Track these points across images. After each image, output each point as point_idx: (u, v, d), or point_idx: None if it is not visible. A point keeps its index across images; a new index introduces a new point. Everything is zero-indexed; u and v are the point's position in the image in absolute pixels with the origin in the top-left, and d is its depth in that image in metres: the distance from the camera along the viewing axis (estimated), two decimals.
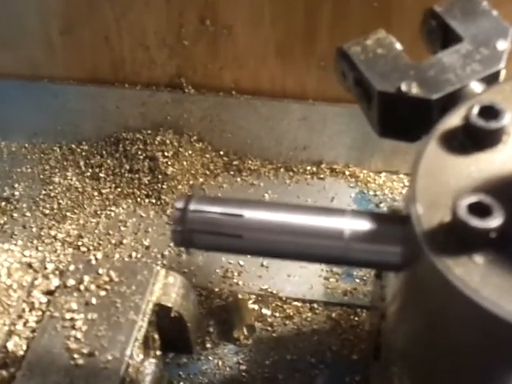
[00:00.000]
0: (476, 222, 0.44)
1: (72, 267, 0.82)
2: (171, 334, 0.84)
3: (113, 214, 1.08)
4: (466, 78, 0.61)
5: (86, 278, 0.80)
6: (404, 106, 0.62)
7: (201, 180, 1.13)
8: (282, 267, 0.99)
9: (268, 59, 1.07)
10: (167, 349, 0.86)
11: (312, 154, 1.14)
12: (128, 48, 1.10)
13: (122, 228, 1.06)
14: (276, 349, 0.91)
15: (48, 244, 1.04)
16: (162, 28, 1.06)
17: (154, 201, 1.10)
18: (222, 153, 1.16)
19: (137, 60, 1.11)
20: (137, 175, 1.11)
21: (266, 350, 0.91)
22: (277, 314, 0.95)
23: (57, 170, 1.15)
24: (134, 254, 1.02)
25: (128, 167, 1.12)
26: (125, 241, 1.04)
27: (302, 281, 0.98)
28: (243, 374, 0.89)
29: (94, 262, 0.82)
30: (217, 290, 0.98)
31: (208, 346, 0.91)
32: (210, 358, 0.90)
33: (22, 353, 0.75)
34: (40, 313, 0.79)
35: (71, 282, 0.80)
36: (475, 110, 0.52)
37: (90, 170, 1.14)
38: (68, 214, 1.08)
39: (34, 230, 1.06)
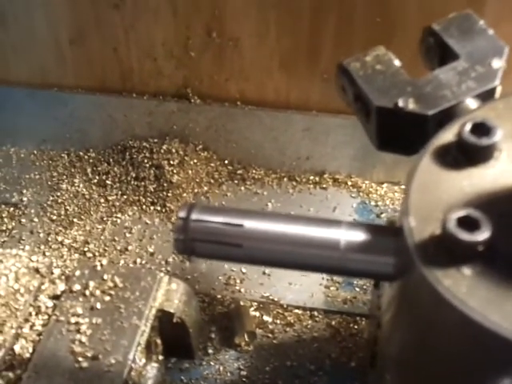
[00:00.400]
0: (464, 236, 0.46)
1: (78, 273, 0.84)
2: (173, 340, 0.86)
3: (119, 220, 1.11)
4: (461, 94, 0.63)
5: (92, 284, 0.82)
6: (401, 120, 0.64)
7: (205, 188, 1.15)
8: (283, 275, 1.00)
9: (273, 71, 1.09)
10: (169, 354, 0.88)
11: (315, 164, 1.16)
12: (136, 59, 1.12)
13: (128, 235, 1.09)
14: (276, 355, 0.92)
15: (55, 249, 1.06)
16: (170, 40, 1.09)
17: (159, 208, 1.12)
18: (226, 162, 1.18)
19: (144, 70, 1.14)
20: (143, 183, 1.13)
21: (266, 356, 0.92)
22: (278, 321, 0.96)
23: (64, 177, 1.18)
24: (138, 261, 1.04)
25: (134, 175, 1.15)
26: (130, 247, 1.06)
27: (303, 289, 1.00)
28: (244, 379, 0.90)
29: (99, 267, 0.84)
30: (219, 296, 0.99)
31: (210, 351, 0.93)
32: (212, 363, 0.92)
33: (28, 355, 0.77)
34: (46, 317, 0.81)
35: (77, 287, 0.82)
36: (468, 127, 0.54)
37: (97, 177, 1.17)
38: (75, 220, 1.10)
39: (41, 235, 1.08)
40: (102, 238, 1.08)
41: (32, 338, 0.79)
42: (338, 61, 0.69)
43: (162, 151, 1.14)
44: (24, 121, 1.20)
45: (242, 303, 0.97)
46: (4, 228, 1.10)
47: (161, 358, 0.85)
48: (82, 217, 1.11)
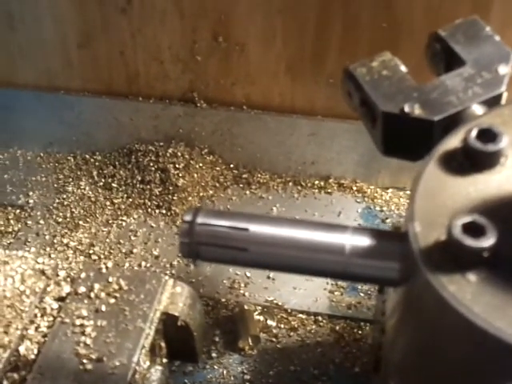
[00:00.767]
0: (470, 242, 0.46)
1: (83, 275, 0.84)
2: (177, 343, 0.86)
3: (124, 223, 1.11)
4: (467, 100, 0.63)
5: (97, 286, 0.83)
6: (407, 126, 0.64)
7: (211, 192, 1.15)
8: (287, 280, 1.01)
9: (279, 76, 1.09)
10: (173, 357, 0.88)
11: (320, 168, 1.16)
12: (142, 62, 1.13)
13: (133, 237, 1.09)
14: (280, 360, 0.92)
15: (60, 252, 1.06)
16: (176, 43, 1.09)
17: (164, 211, 1.12)
18: (231, 166, 1.18)
19: (151, 74, 1.14)
20: (148, 186, 1.14)
21: (270, 360, 0.92)
22: (282, 326, 0.97)
23: (70, 180, 1.18)
24: (143, 264, 1.05)
25: (140, 178, 1.15)
26: (135, 250, 1.07)
27: (308, 293, 1.00)
28: (247, 383, 0.90)
29: (104, 270, 0.85)
30: (223, 300, 0.99)
31: (213, 355, 0.93)
32: (215, 367, 0.92)
33: (33, 357, 0.77)
34: (51, 318, 0.81)
35: (82, 289, 0.83)
36: (473, 133, 0.54)
37: (103, 180, 1.17)
38: (80, 222, 1.11)
39: (47, 237, 1.09)
40: (108, 240, 1.08)
41: (37, 340, 0.79)
42: (344, 66, 0.70)
43: (168, 155, 1.15)
44: (31, 123, 1.21)
45: (246, 307, 0.97)
46: (10, 230, 1.10)
47: (165, 360, 0.85)
48: (88, 219, 1.11)
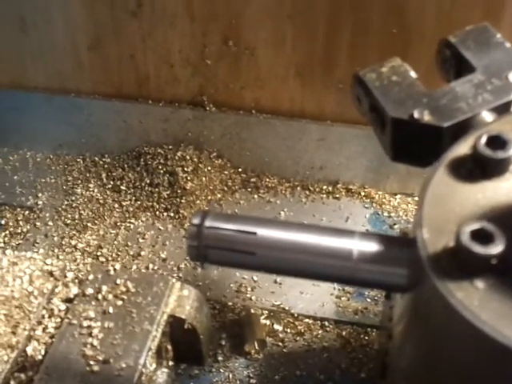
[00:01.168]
0: (478, 249, 0.46)
1: (91, 277, 0.85)
2: (184, 346, 0.86)
3: (132, 226, 1.11)
4: (477, 107, 0.63)
5: (104, 288, 0.83)
6: (416, 132, 0.64)
7: (219, 196, 1.15)
8: (294, 284, 1.01)
9: (288, 80, 1.09)
10: (179, 360, 0.88)
11: (328, 173, 1.16)
12: (153, 65, 1.13)
13: (141, 240, 1.09)
14: (286, 364, 0.92)
15: (68, 253, 1.06)
16: (186, 47, 1.10)
17: (172, 214, 1.12)
18: (240, 170, 1.18)
19: (161, 77, 1.14)
20: (157, 189, 1.14)
21: (276, 365, 0.92)
22: (288, 330, 0.96)
23: (79, 182, 1.18)
24: (150, 266, 1.05)
25: (148, 181, 1.15)
26: (143, 253, 1.07)
27: (314, 298, 1.00)
28: None
29: (112, 272, 0.85)
30: (230, 304, 0.99)
31: (220, 358, 0.93)
32: (221, 370, 0.92)
33: (40, 357, 0.78)
34: (59, 320, 0.81)
35: (90, 290, 0.83)
36: (483, 140, 0.54)
37: (112, 183, 1.17)
38: (89, 224, 1.11)
39: (55, 239, 1.09)
40: (116, 242, 1.09)
41: (44, 341, 0.80)
42: (354, 71, 0.70)
43: (177, 158, 1.15)
44: (41, 125, 1.21)
45: (252, 311, 0.97)
46: (19, 231, 1.11)
47: (171, 363, 0.85)
48: (96, 221, 1.12)
